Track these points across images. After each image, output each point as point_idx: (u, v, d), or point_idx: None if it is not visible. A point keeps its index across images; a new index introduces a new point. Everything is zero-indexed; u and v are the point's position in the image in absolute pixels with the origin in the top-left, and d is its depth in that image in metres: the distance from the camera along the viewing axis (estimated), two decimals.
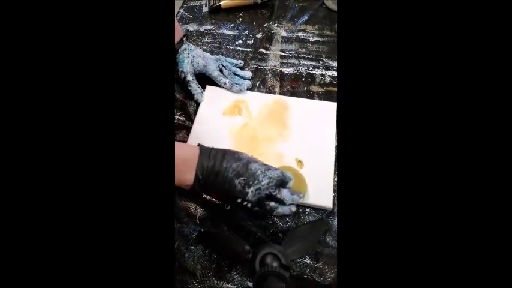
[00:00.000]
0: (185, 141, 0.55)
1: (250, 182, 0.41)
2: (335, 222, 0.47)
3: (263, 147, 0.53)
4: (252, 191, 0.41)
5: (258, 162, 0.43)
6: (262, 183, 0.41)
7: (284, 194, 0.43)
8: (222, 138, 0.55)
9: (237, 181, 0.41)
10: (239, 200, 0.42)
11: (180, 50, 0.59)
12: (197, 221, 0.49)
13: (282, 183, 0.43)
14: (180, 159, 0.40)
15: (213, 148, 0.43)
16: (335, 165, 0.51)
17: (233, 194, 0.41)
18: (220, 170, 0.41)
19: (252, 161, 0.43)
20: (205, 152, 0.42)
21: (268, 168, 0.42)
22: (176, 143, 0.40)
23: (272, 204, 0.42)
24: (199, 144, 0.44)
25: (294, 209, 0.44)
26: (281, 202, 0.43)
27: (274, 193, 0.42)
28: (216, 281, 0.44)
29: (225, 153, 0.43)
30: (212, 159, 0.42)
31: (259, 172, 0.41)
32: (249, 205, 0.42)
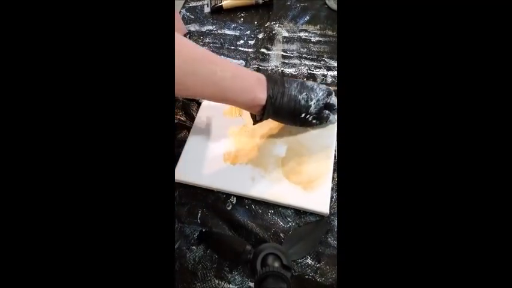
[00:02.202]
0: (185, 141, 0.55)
1: (312, 95, 0.47)
2: (336, 223, 0.47)
3: (263, 149, 0.53)
4: (314, 103, 0.48)
5: (310, 80, 0.50)
6: (319, 95, 0.48)
7: (334, 99, 0.51)
8: (222, 139, 0.55)
9: (300, 96, 0.47)
10: (303, 115, 0.48)
11: None
12: (198, 221, 0.49)
13: (330, 92, 0.50)
14: (255, 78, 0.45)
15: (272, 74, 0.49)
16: (333, 169, 0.51)
17: (298, 110, 0.47)
18: (285, 90, 0.46)
19: (304, 80, 0.50)
20: (271, 77, 0.47)
21: (318, 83, 0.50)
22: (241, 66, 0.47)
23: (327, 112, 0.50)
24: (264, 73, 0.48)
25: (336, 118, 0.52)
26: (331, 108, 0.51)
27: (329, 100, 0.49)
28: (217, 281, 0.44)
29: (283, 77, 0.49)
30: (276, 82, 0.46)
31: (315, 86, 0.48)
32: (310, 118, 0.49)
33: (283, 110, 0.47)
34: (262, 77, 0.46)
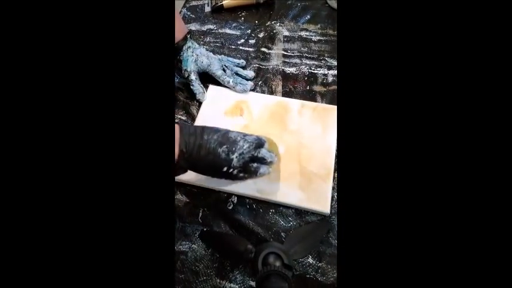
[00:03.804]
0: None
1: (234, 149, 0.43)
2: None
3: None
4: (236, 157, 0.43)
5: (235, 131, 0.45)
6: (244, 148, 0.43)
7: (263, 152, 0.45)
8: None
9: (220, 150, 0.43)
10: (225, 169, 0.43)
11: (184, 48, 0.59)
12: (199, 220, 0.49)
13: (259, 144, 0.45)
14: None
15: (191, 124, 0.44)
16: (334, 169, 0.51)
17: (218, 164, 0.43)
18: (203, 142, 0.42)
19: (229, 130, 0.45)
20: (185, 128, 0.43)
21: (245, 134, 0.45)
22: None
23: (255, 165, 0.45)
24: (177, 122, 0.44)
25: (270, 169, 0.46)
26: (262, 161, 0.45)
27: (256, 154, 0.44)
28: (218, 280, 0.44)
29: (203, 127, 0.44)
30: (193, 134, 0.43)
31: (239, 138, 0.44)
32: (235, 171, 0.44)
33: (201, 163, 0.43)
34: (175, 132, 0.42)
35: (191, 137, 0.42)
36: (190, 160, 0.42)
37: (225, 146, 0.43)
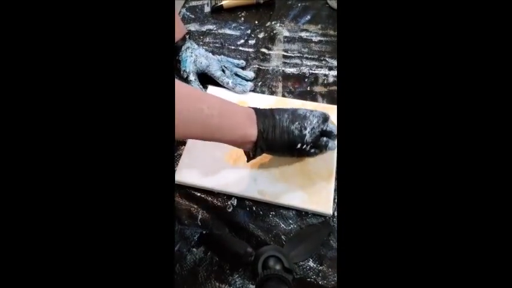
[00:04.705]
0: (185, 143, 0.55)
1: (305, 124, 0.44)
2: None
3: None
4: (308, 132, 0.44)
5: (301, 108, 0.46)
6: (314, 122, 0.44)
7: (331, 126, 0.46)
8: None
9: (293, 127, 0.43)
10: (299, 146, 0.44)
11: (183, 48, 0.59)
12: (199, 222, 0.48)
13: (326, 118, 0.46)
14: (243, 114, 0.43)
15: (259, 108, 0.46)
16: (336, 170, 0.50)
17: (293, 141, 0.44)
18: (275, 122, 0.43)
19: (296, 108, 0.46)
20: (259, 110, 0.44)
21: (311, 110, 0.46)
22: (228, 101, 0.43)
23: (325, 139, 0.46)
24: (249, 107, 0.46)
25: (336, 143, 0.47)
26: (330, 135, 0.46)
27: (325, 127, 0.45)
28: (218, 284, 0.43)
29: (272, 109, 0.46)
30: (266, 115, 0.44)
31: (308, 114, 0.45)
32: (308, 147, 0.45)
33: (277, 143, 0.44)
34: (251, 112, 0.43)
35: (266, 119, 0.43)
36: (268, 141, 0.43)
37: (297, 123, 0.44)
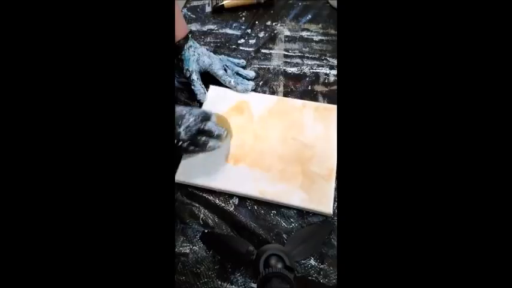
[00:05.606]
0: None
1: (180, 122, 0.45)
2: None
3: (265, 149, 0.53)
4: (183, 129, 0.45)
5: (181, 106, 0.47)
6: (190, 121, 0.45)
7: (209, 125, 0.47)
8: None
9: None
10: (175, 142, 0.45)
11: (185, 47, 0.58)
12: (200, 221, 0.49)
13: (206, 118, 0.47)
14: None
15: None
16: (336, 169, 0.50)
17: None
18: None
19: (177, 105, 0.47)
20: None
21: (191, 107, 0.47)
22: None
23: (204, 138, 0.46)
24: None
25: (220, 143, 0.48)
26: (209, 135, 0.47)
27: (202, 126, 0.46)
28: (219, 282, 0.43)
29: None
30: None
31: (184, 112, 0.46)
32: (185, 145, 0.46)
33: None
34: None
35: None
36: None
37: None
